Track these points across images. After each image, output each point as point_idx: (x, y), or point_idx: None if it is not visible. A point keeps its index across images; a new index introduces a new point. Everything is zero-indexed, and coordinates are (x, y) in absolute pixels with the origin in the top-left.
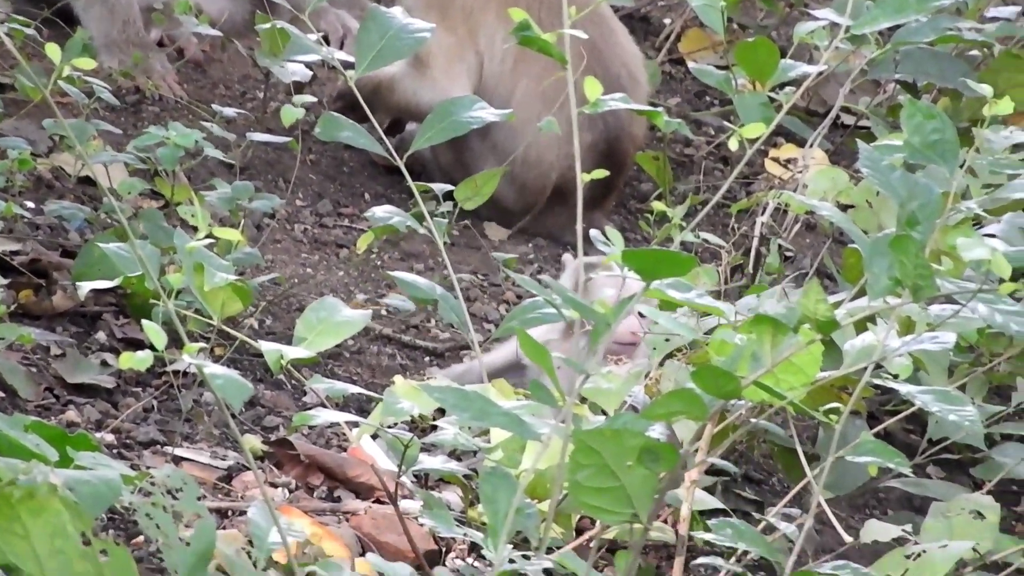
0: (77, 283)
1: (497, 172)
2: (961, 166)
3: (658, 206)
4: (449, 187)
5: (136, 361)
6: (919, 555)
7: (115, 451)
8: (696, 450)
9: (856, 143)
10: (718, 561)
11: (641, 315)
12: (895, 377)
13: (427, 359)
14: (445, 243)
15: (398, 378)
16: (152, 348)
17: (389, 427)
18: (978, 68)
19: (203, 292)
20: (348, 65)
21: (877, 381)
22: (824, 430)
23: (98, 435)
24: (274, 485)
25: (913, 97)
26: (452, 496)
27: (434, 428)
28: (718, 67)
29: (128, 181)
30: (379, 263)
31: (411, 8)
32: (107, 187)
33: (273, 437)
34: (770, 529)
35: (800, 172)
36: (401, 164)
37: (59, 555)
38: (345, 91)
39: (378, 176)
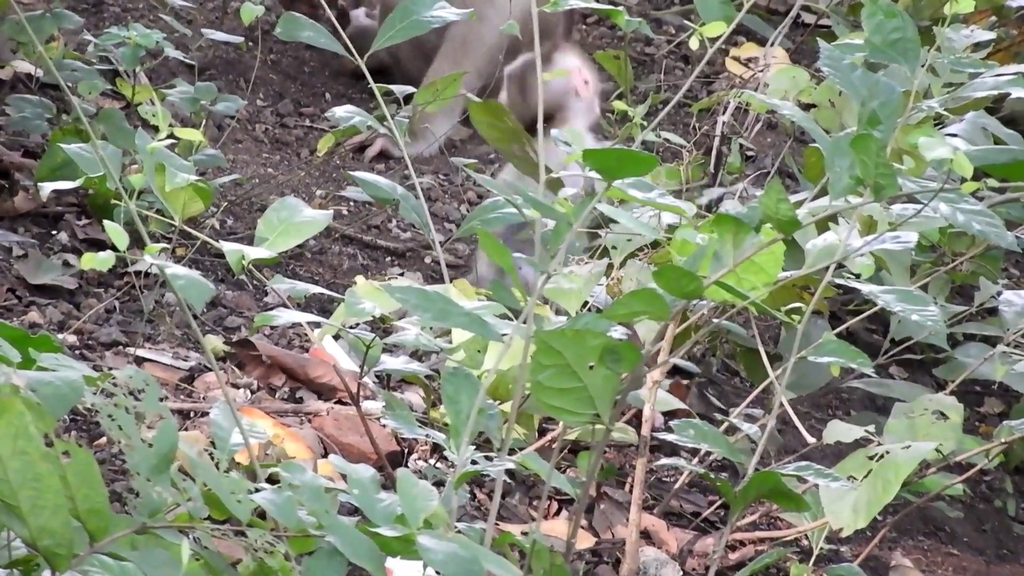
0: (39, 184)
1: (458, 76)
2: (922, 65)
3: (619, 105)
4: (411, 89)
5: (98, 261)
6: (882, 456)
7: (77, 352)
8: (658, 350)
9: (817, 42)
10: (680, 462)
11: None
12: (857, 277)
13: (388, 259)
14: (406, 143)
15: (360, 278)
16: (114, 249)
17: (351, 327)
18: None
19: (164, 193)
20: None
21: (839, 281)
22: (786, 330)
23: (60, 336)
24: (236, 386)
25: None
26: (414, 397)
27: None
28: None
29: (90, 81)
30: (340, 163)
31: None
32: (69, 87)
33: (235, 338)
34: (732, 430)
35: (761, 71)
36: (362, 64)
37: (21, 456)
38: None
39: (339, 76)
